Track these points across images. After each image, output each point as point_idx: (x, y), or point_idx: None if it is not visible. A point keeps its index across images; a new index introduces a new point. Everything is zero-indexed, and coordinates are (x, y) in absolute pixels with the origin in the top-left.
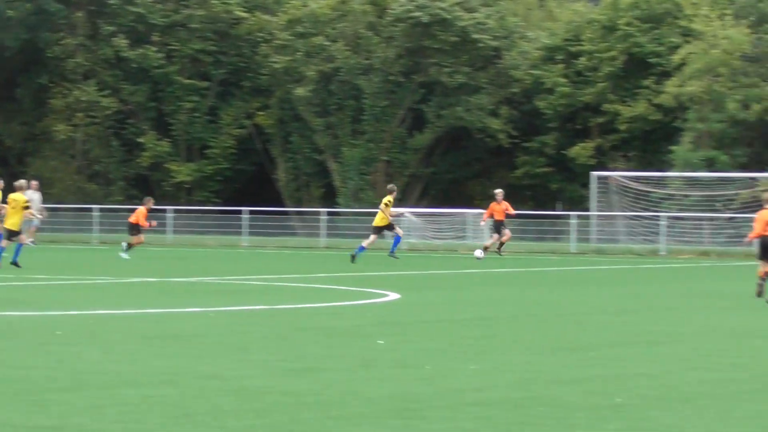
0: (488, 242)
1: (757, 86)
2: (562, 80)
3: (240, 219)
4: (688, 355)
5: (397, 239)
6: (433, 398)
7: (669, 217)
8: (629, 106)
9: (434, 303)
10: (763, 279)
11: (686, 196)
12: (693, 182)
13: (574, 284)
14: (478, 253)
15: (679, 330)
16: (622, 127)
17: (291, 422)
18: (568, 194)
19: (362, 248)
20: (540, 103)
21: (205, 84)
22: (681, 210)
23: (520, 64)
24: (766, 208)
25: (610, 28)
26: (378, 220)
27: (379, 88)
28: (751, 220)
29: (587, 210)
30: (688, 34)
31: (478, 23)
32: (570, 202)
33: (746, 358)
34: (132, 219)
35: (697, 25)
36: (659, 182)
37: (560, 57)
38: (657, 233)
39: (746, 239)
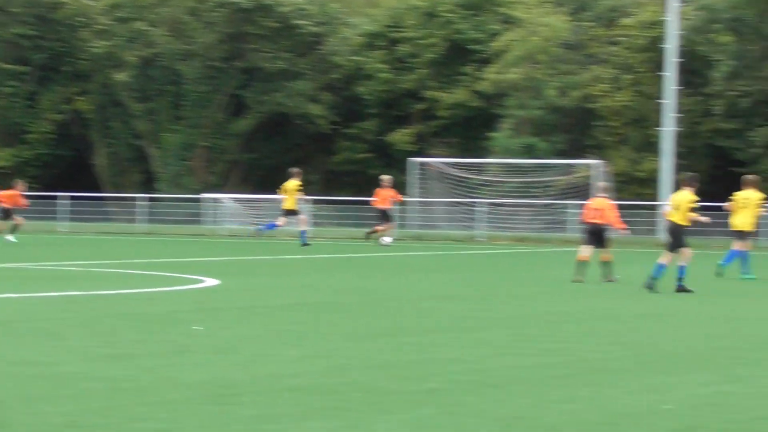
0: (383, 227)
1: (576, 73)
2: (383, 66)
3: (58, 204)
4: (503, 340)
5: (272, 226)
6: (249, 384)
7: (487, 204)
8: (449, 92)
9: (252, 289)
10: (582, 263)
11: (505, 182)
12: (512, 169)
13: (393, 270)
14: (386, 239)
15: (495, 315)
16: (442, 114)
17: (106, 408)
18: None
19: (303, 233)
20: (361, 89)
21: (24, 69)
22: (499, 196)
23: (341, 51)
24: (599, 197)
25: (430, 15)
26: (289, 204)
27: (199, 74)
28: (569, 206)
29: (408, 196)
30: (508, 21)
31: (299, 9)
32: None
33: (559, 343)
34: (6, 203)
35: (517, 12)
36: (478, 168)
37: (381, 43)
38: (475, 219)
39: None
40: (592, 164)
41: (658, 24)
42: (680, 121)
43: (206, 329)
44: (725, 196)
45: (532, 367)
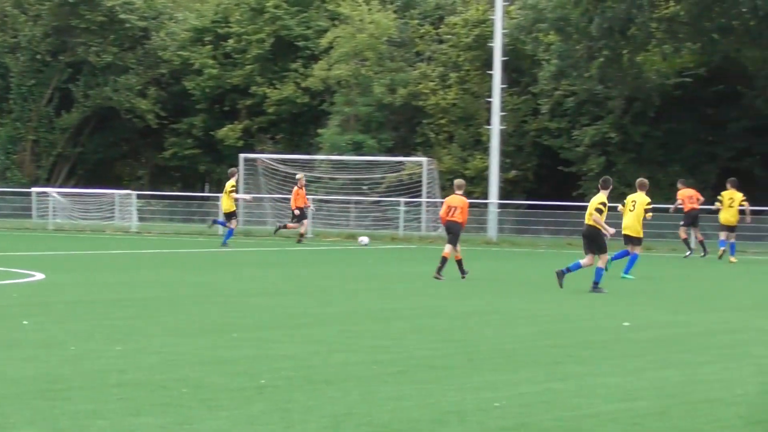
0: (302, 229)
1: (403, 71)
2: (211, 62)
3: None
4: (333, 337)
5: (227, 229)
6: (77, 379)
7: (316, 200)
8: (277, 88)
9: (81, 284)
10: (445, 260)
11: (333, 179)
12: (340, 165)
13: (223, 266)
14: (363, 239)
15: (325, 312)
16: (270, 110)
17: None
18: (216, 176)
19: (230, 233)
20: (188, 84)
21: None
22: (328, 193)
23: (169, 45)
24: (457, 194)
25: (258, 11)
26: (226, 206)
27: (26, 67)
28: (396, 203)
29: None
30: (335, 18)
31: (126, 3)
32: (218, 184)
33: (389, 340)
34: None
35: (344, 9)
36: (306, 165)
37: (209, 38)
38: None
39: None
40: (421, 162)
41: (484, 22)
42: (507, 120)
43: (34, 324)
44: (554, 195)
45: (362, 363)
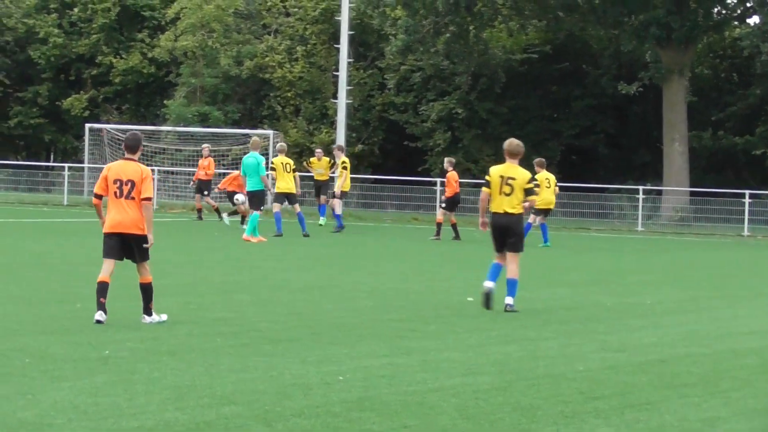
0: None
1: (250, 43)
2: (56, 30)
3: None
4: (177, 308)
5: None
6: None
7: (162, 171)
8: (123, 58)
9: None
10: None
11: (179, 150)
12: (186, 137)
13: (65, 236)
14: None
15: (169, 283)
16: (116, 80)
17: None
18: (61, 145)
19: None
20: (34, 53)
21: None
22: (174, 164)
23: (14, 13)
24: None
25: None
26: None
27: None
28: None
29: (81, 162)
30: None
31: None
32: (63, 154)
33: (233, 312)
34: None
35: None
36: (153, 136)
37: (54, 6)
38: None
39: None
40: (267, 134)
41: None
42: (354, 94)
43: None
44: (399, 170)
45: (205, 335)
